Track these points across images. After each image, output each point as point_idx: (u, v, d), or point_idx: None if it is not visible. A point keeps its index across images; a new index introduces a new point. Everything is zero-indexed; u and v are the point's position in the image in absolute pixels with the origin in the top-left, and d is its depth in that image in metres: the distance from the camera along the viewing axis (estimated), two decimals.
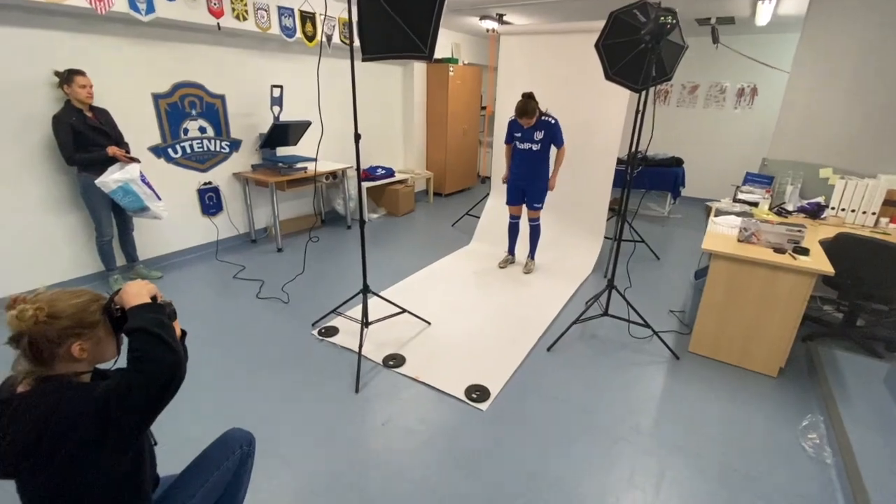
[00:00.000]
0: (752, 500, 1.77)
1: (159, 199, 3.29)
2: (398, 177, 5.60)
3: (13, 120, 2.89)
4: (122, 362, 1.05)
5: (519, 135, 3.52)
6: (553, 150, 3.55)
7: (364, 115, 5.41)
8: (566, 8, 4.61)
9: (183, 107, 3.74)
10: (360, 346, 2.47)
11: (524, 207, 3.78)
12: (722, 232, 2.81)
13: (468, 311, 3.18)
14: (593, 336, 2.92)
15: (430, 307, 3.16)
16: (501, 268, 3.99)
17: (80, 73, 2.93)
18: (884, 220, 3.02)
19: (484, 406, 2.22)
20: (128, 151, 3.18)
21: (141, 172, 3.12)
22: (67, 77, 2.91)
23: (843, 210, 3.17)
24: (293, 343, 2.74)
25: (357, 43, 2.25)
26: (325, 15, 4.29)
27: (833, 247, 2.59)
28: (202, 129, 3.91)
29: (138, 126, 3.47)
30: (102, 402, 0.90)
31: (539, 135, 3.45)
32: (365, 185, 5.13)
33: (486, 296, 3.44)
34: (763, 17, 4.30)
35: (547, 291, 3.54)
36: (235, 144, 4.19)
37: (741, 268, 2.47)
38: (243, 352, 2.62)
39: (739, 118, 6.17)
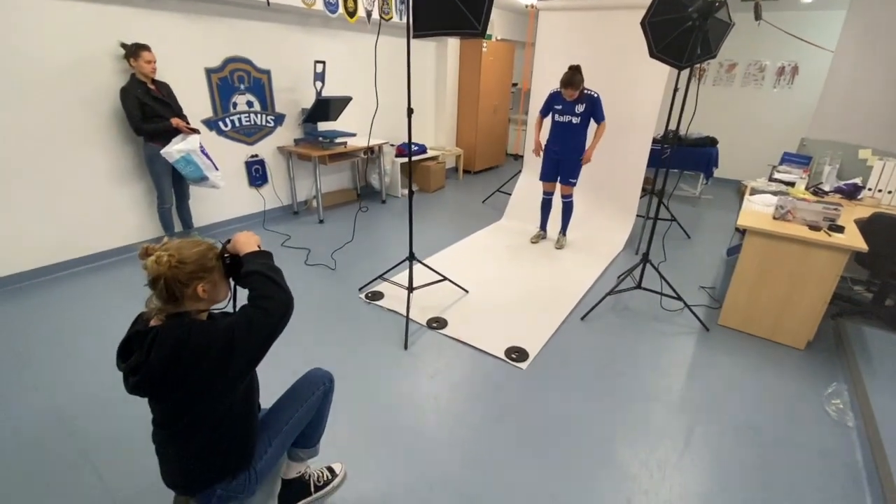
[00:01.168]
0: (776, 456, 1.92)
1: (217, 169, 3.49)
2: (430, 153, 5.72)
3: (83, 92, 3.12)
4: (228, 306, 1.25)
5: (560, 107, 3.59)
6: (592, 126, 3.62)
7: (397, 92, 5.51)
8: None
9: (232, 81, 3.92)
10: (408, 308, 2.67)
11: (558, 184, 3.88)
12: (757, 210, 2.89)
13: (503, 282, 3.34)
14: (626, 308, 3.06)
15: (466, 277, 3.34)
16: (533, 243, 4.13)
17: (146, 47, 3.12)
18: None
19: (524, 365, 2.41)
20: (188, 123, 3.39)
21: (200, 143, 3.33)
22: (134, 51, 3.10)
23: (879, 191, 3.20)
24: (343, 305, 2.96)
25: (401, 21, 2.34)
26: None
27: (868, 226, 2.66)
28: (249, 104, 4.10)
29: (192, 99, 3.68)
30: (229, 332, 1.08)
31: (580, 108, 3.51)
32: (399, 160, 5.27)
33: (520, 268, 3.60)
34: None
35: (579, 266, 3.68)
36: (280, 119, 4.37)
37: (775, 244, 2.57)
38: (299, 312, 2.85)
39: (777, 98, 6.06)
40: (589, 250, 3.98)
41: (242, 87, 4.01)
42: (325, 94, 4.42)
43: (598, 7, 3.98)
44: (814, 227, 2.57)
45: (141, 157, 3.40)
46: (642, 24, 2.59)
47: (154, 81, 3.26)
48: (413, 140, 5.77)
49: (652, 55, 2.66)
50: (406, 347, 2.52)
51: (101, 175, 3.33)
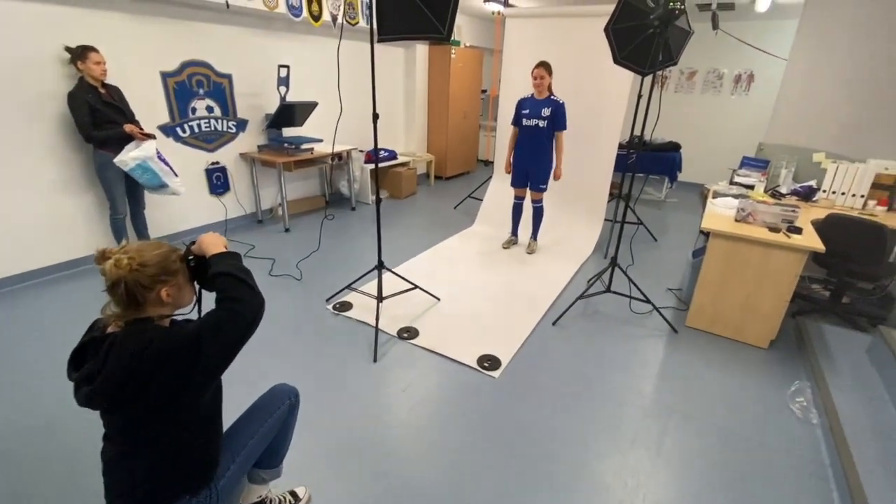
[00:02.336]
0: (745, 456, 1.93)
1: (176, 175, 3.33)
2: (400, 159, 5.66)
3: (25, 98, 2.91)
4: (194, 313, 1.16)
5: (527, 111, 3.59)
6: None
7: (366, 98, 5.41)
8: None
9: (191, 85, 3.76)
10: (377, 319, 2.58)
11: (528, 190, 3.88)
12: (719, 212, 2.95)
13: (475, 289, 3.30)
14: (596, 311, 3.06)
15: (438, 284, 3.28)
16: (505, 248, 4.11)
17: (94, 49, 2.95)
18: (871, 203, 3.18)
19: (496, 374, 2.36)
20: (142, 129, 3.21)
21: (157, 149, 3.16)
22: (80, 53, 2.92)
23: (833, 193, 3.33)
24: (310, 317, 2.85)
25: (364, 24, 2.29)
26: None
27: (824, 226, 2.75)
28: (209, 109, 3.94)
29: (147, 104, 3.50)
30: (195, 337, 1.01)
31: (547, 111, 3.53)
32: (368, 167, 5.18)
33: (492, 274, 3.57)
34: (763, 2, 4.39)
35: (550, 270, 3.67)
36: (242, 124, 4.22)
37: (737, 246, 2.62)
38: (263, 325, 2.72)
39: (736, 104, 6.29)
40: (559, 254, 3.99)
41: (201, 91, 3.84)
42: (289, 99, 4.29)
43: (563, 14, 4.02)
44: (773, 229, 2.63)
45: (91, 166, 3.20)
46: (606, 30, 2.61)
47: (105, 85, 3.09)
48: (382, 146, 5.70)
49: (616, 62, 2.68)
50: (375, 360, 2.44)
51: (45, 186, 3.11)
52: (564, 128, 3.59)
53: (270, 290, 3.16)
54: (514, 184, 3.92)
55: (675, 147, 5.54)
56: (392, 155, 5.57)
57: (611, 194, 4.30)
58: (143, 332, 1.01)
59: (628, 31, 2.56)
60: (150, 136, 3.16)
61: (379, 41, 2.35)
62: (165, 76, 3.59)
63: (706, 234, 2.82)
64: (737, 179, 3.60)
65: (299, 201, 4.92)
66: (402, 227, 4.61)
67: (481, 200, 4.87)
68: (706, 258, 2.74)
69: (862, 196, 3.20)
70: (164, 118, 3.67)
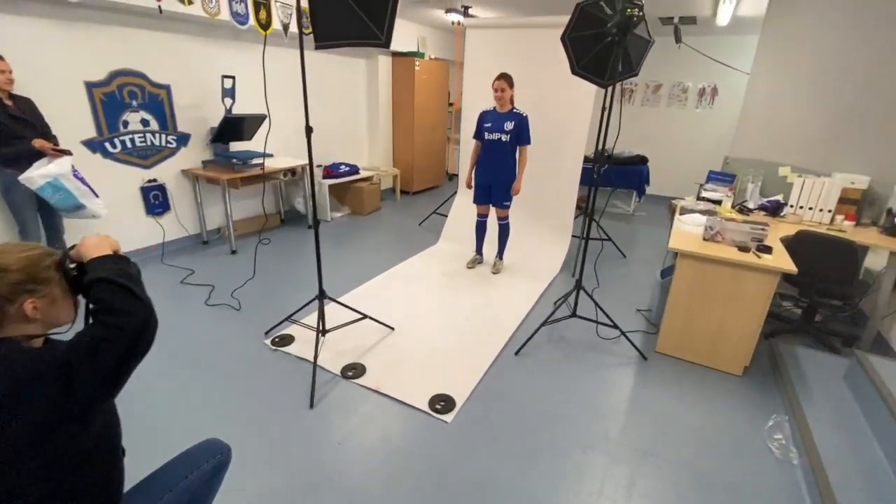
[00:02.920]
0: None
1: (96, 195, 3.00)
2: (363, 174, 5.41)
3: None
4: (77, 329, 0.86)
5: (489, 125, 3.42)
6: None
7: (325, 110, 5.22)
8: (533, 3, 4.53)
9: (122, 97, 3.43)
10: (315, 356, 2.29)
11: (492, 207, 3.68)
12: (687, 230, 2.79)
13: (434, 315, 3.05)
14: (561, 338, 2.85)
15: (394, 311, 3.01)
16: (469, 268, 3.88)
17: None
18: (839, 218, 3.09)
19: (449, 417, 2.10)
20: (56, 144, 2.87)
21: (73, 166, 2.82)
22: None
23: (801, 208, 3.23)
24: (244, 354, 2.53)
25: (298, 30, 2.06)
26: (280, 2, 4.05)
27: (794, 244, 2.61)
28: (145, 122, 3.61)
29: (69, 117, 3.15)
30: (64, 361, 0.81)
31: (509, 125, 3.36)
32: (326, 182, 4.91)
33: (454, 298, 3.32)
34: (723, 17, 4.36)
35: (515, 292, 3.46)
36: (183, 139, 3.89)
37: (707, 267, 2.45)
38: (188, 365, 2.40)
39: (701, 117, 6.30)
40: (526, 273, 3.78)
41: (135, 103, 3.51)
42: (237, 111, 4.00)
43: (524, 26, 3.88)
44: (743, 248, 2.48)
45: None
46: (563, 39, 2.44)
47: (12, 97, 2.74)
48: (344, 160, 5.44)
49: (574, 72, 2.51)
50: (312, 405, 2.14)
51: None
52: (528, 142, 3.42)
53: (205, 322, 2.83)
54: (476, 200, 3.72)
55: (642, 160, 5.47)
56: (353, 169, 5.31)
57: (579, 208, 4.14)
58: (1, 358, 0.80)
59: (586, 40, 2.39)
60: (65, 153, 2.82)
61: (316, 48, 2.14)
62: (91, 86, 3.26)
63: (675, 254, 2.65)
64: (704, 194, 3.48)
65: (252, 220, 4.59)
66: (363, 246, 4.33)
67: (447, 216, 4.65)
68: (675, 279, 2.56)
69: (829, 211, 3.10)
70: (90, 132, 3.32)
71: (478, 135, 3.55)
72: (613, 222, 5.38)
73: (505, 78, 3.29)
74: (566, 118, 3.89)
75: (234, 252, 3.99)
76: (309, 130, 2.22)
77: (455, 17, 4.82)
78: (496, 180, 3.54)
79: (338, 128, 5.51)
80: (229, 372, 2.37)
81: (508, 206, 3.63)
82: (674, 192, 6.42)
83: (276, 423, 2.03)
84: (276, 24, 4.07)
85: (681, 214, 3.12)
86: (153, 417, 2.03)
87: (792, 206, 3.26)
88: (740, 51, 5.64)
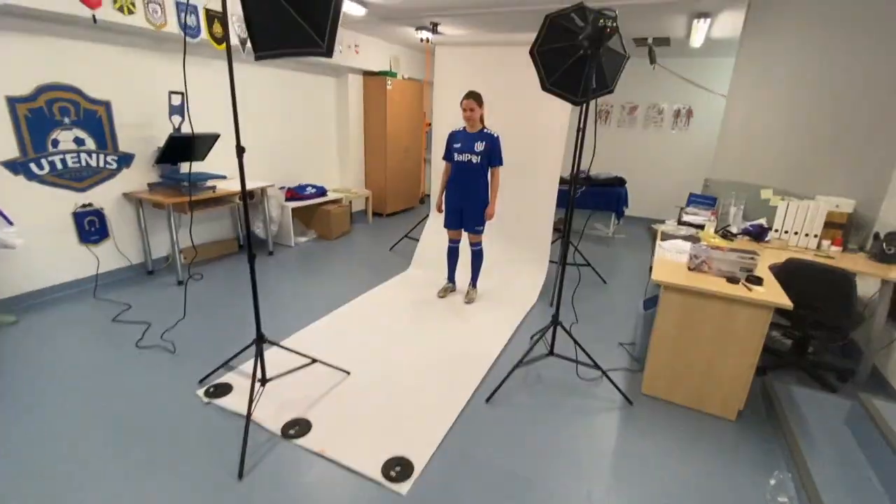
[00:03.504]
0: None
1: (10, 223, 2.65)
2: (331, 196, 5.11)
3: None
4: None
5: (458, 145, 3.19)
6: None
7: (292, 129, 4.98)
8: (504, 21, 4.40)
9: (51, 113, 3.08)
10: (249, 413, 1.95)
11: (464, 232, 3.42)
12: (670, 258, 2.57)
13: (398, 353, 2.73)
14: (538, 380, 2.56)
15: (352, 351, 2.69)
16: (441, 297, 3.59)
17: None
18: (825, 243, 2.92)
19: (404, 487, 1.77)
20: None
21: None
22: None
23: (786, 232, 3.06)
24: (171, 408, 2.16)
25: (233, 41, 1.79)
26: (238, 16, 3.80)
27: (784, 274, 2.41)
28: (79, 141, 3.26)
29: None
30: None
31: (480, 146, 3.14)
32: (289, 205, 4.59)
33: (421, 333, 3.01)
34: (698, 38, 4.29)
35: (489, 324, 3.17)
36: (125, 159, 3.55)
37: (693, 300, 2.22)
38: (103, 424, 2.02)
39: (676, 139, 6.25)
40: (501, 303, 3.51)
41: (67, 120, 3.17)
42: (186, 129, 3.68)
43: (493, 43, 3.71)
44: (731, 280, 2.26)
45: None
46: (532, 53, 2.23)
47: None
48: (311, 182, 5.15)
49: (545, 88, 2.30)
50: (241, 475, 1.79)
51: None
52: (500, 163, 3.20)
53: (132, 368, 2.45)
54: (447, 225, 3.46)
55: (620, 182, 5.33)
56: (321, 191, 5.02)
57: (556, 231, 3.93)
58: None
59: (557, 54, 2.18)
60: None
61: (257, 59, 1.88)
62: (13, 101, 2.91)
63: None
64: (685, 218, 3.30)
65: (207, 246, 4.22)
66: (327, 274, 4.01)
67: (419, 240, 4.37)
68: (659, 314, 2.32)
69: (815, 236, 2.94)
70: (12, 152, 2.96)
71: (447, 156, 3.32)
72: (592, 245, 5.19)
73: (473, 97, 3.08)
74: (540, 138, 3.70)
75: (180, 283, 3.61)
76: (240, 150, 1.92)
77: (424, 35, 4.64)
78: (467, 204, 3.30)
79: (306, 148, 5.23)
80: (150, 432, 2.00)
81: (481, 231, 3.39)
82: (653, 213, 6.34)
83: (194, 501, 1.67)
84: (233, 39, 3.80)
85: (662, 240, 2.91)
86: (47, 496, 1.65)
87: (777, 231, 3.09)
88: (715, 73, 5.62)
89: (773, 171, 3.32)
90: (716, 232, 3.12)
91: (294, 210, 4.78)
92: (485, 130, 3.18)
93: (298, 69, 4.93)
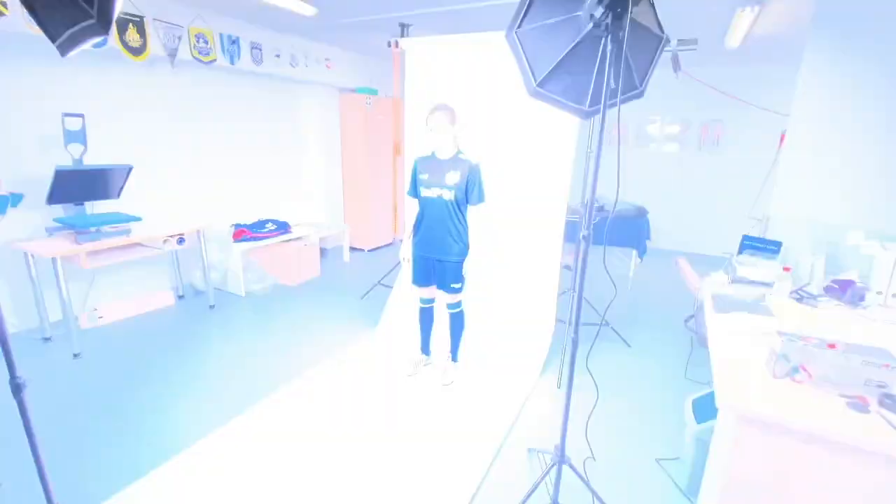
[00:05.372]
0: None
1: None
2: (295, 233, 4.31)
3: None
4: None
5: (425, 176, 2.38)
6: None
7: (254, 156, 4.26)
8: (485, 21, 3.59)
9: None
10: None
11: (438, 287, 2.56)
12: (736, 351, 1.64)
13: (321, 494, 1.83)
14: None
15: (254, 482, 1.80)
16: (409, 376, 2.70)
17: None
18: None
19: None
20: None
21: None
22: None
23: (893, 296, 2.10)
24: None
25: None
26: (165, 22, 3.07)
27: None
28: None
29: None
30: None
31: (454, 177, 2.31)
32: (241, 246, 3.79)
33: (370, 450, 2.11)
34: (737, 35, 3.42)
35: (472, 423, 2.27)
36: (9, 201, 2.78)
37: (790, 444, 1.29)
38: None
39: (704, 159, 5.35)
40: (490, 384, 2.61)
41: None
42: (93, 160, 2.93)
43: (482, 42, 2.90)
44: (855, 404, 1.32)
45: None
46: (509, 36, 1.38)
47: None
48: (276, 217, 4.37)
49: (532, 92, 1.43)
50: None
51: None
52: (481, 199, 2.36)
53: None
54: (415, 281, 2.60)
55: (641, 212, 4.41)
56: (282, 228, 4.21)
57: (566, 267, 3.06)
58: None
59: (550, 35, 1.33)
60: None
61: (63, 55, 1.07)
62: None
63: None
64: (741, 272, 2.36)
65: (132, 300, 3.42)
66: (269, 338, 3.16)
67: (391, 288, 3.51)
68: (727, 452, 1.39)
69: None
70: None
71: (413, 190, 2.49)
72: (609, 288, 4.24)
73: (443, 111, 2.26)
74: (541, 161, 2.88)
75: (76, 356, 2.79)
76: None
77: (392, 38, 3.84)
78: (439, 253, 2.44)
79: (270, 178, 4.49)
80: None
81: (459, 290, 2.51)
82: (678, 245, 5.43)
83: None
84: (157, 49, 3.06)
85: (716, 310, 1.99)
86: None
87: (880, 293, 2.13)
88: (751, 82, 4.76)
89: (863, 207, 2.39)
90: (790, 296, 2.18)
91: (250, 252, 3.99)
92: (460, 157, 2.34)
93: (262, 86, 4.21)
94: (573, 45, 1.32)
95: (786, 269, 2.27)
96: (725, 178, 5.24)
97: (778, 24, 3.29)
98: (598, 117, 1.30)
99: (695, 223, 5.41)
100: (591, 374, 1.72)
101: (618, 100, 1.31)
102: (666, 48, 3.81)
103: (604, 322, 3.30)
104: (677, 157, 5.46)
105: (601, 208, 4.52)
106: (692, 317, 3.58)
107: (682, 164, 5.47)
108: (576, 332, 1.56)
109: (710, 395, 1.89)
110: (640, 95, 1.38)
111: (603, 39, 1.24)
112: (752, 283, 2.30)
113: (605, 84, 1.21)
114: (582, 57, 1.33)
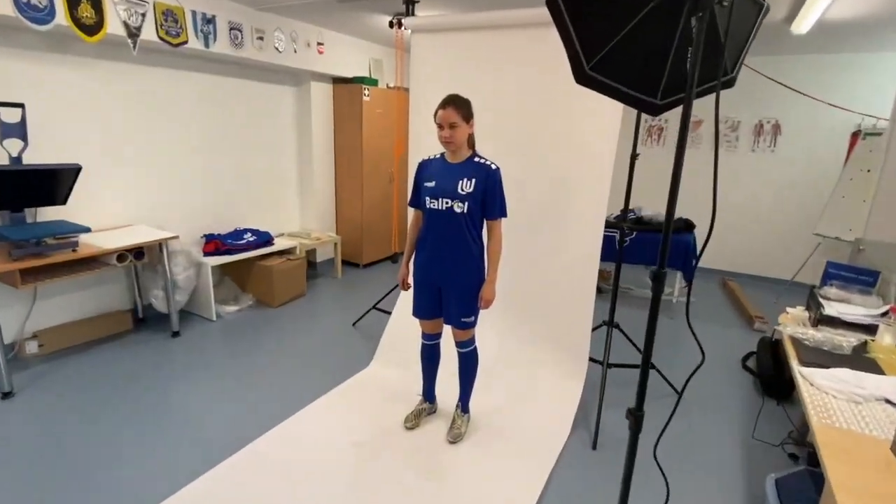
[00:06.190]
0: None
1: None
2: (278, 245, 4.09)
3: None
4: None
5: (431, 184, 2.12)
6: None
7: (231, 155, 4.07)
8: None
9: None
10: None
11: (446, 321, 2.30)
12: (841, 419, 1.37)
13: None
14: None
15: None
16: (409, 428, 2.43)
17: None
18: None
19: None
20: None
21: None
22: None
23: None
24: None
25: None
26: None
27: None
28: None
29: None
30: None
31: (467, 185, 2.07)
32: (211, 261, 3.55)
33: None
34: (809, 19, 3.16)
35: (483, 495, 1.98)
36: None
37: None
38: None
39: (758, 163, 5.06)
40: (508, 442, 2.34)
41: None
42: (33, 158, 2.71)
43: (497, 26, 2.67)
44: None
45: None
46: (550, 3, 1.12)
47: None
48: (257, 226, 4.15)
49: (580, 78, 1.17)
50: None
51: None
52: (501, 213, 2.12)
53: None
54: (417, 313, 2.34)
55: (687, 226, 4.17)
56: (264, 239, 3.99)
57: (599, 289, 2.85)
58: None
59: (607, 4, 1.07)
60: None
61: None
62: None
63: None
64: (830, 310, 2.07)
65: (83, 324, 3.18)
66: (247, 371, 2.93)
67: (390, 314, 3.25)
68: None
69: None
70: None
71: (415, 201, 2.25)
72: (644, 316, 3.95)
73: (455, 105, 2.01)
74: (575, 167, 2.65)
75: (7, 394, 2.54)
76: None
77: (395, 17, 3.60)
78: (447, 279, 2.19)
79: (250, 181, 4.27)
80: None
81: (472, 325, 2.25)
82: (725, 263, 5.22)
83: None
84: (115, 28, 2.86)
85: (805, 361, 1.71)
86: None
87: None
88: (818, 74, 4.49)
89: None
90: None
91: (224, 267, 3.79)
92: (476, 159, 2.10)
93: (243, 76, 4.00)
94: (639, 17, 1.06)
95: (893, 308, 1.98)
96: (783, 187, 4.94)
97: (859, 5, 3.01)
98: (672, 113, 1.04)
99: (744, 238, 5.12)
100: (659, 467, 1.42)
101: (717, 86, 1.05)
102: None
103: (650, 366, 3.01)
104: (724, 161, 5.18)
105: (639, 219, 4.26)
106: (752, 355, 3.29)
107: (730, 168, 5.19)
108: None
109: (802, 476, 1.61)
110: (731, 84, 1.12)
111: (684, 15, 0.98)
112: (847, 325, 2.01)
113: (694, 67, 0.95)
114: (653, 32, 1.07)
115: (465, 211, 2.08)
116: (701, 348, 1.35)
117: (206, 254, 3.63)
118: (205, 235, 3.77)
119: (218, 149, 3.90)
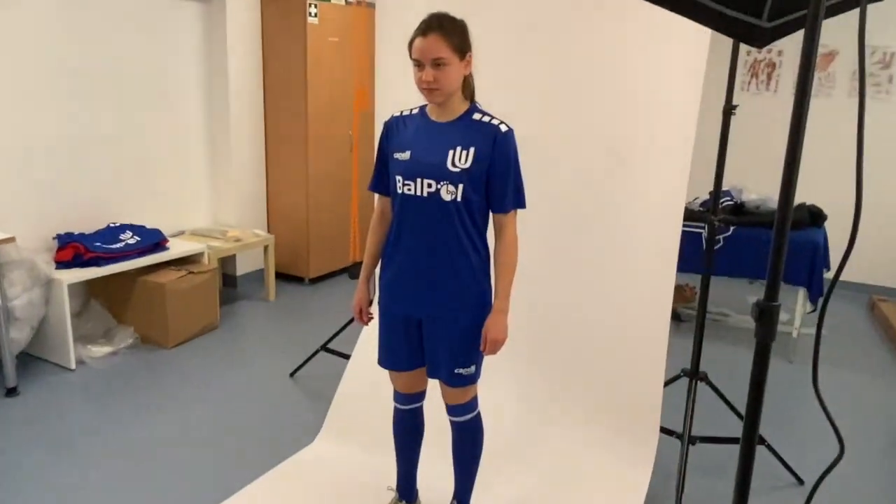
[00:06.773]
0: None
1: None
2: (175, 251, 4.32)
3: None
4: None
5: (405, 156, 2.17)
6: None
7: (101, 111, 4.23)
8: None
9: None
10: None
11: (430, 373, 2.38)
12: None
13: None
14: None
15: None
16: None
17: None
18: None
19: None
20: None
21: None
22: None
23: None
24: None
25: None
26: None
27: None
28: None
29: None
30: None
31: (462, 157, 2.10)
32: (67, 276, 3.74)
33: None
34: None
35: None
36: None
37: None
38: None
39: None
40: None
41: None
42: None
43: None
44: None
45: None
46: None
47: None
48: (139, 221, 4.39)
49: None
50: None
51: None
52: (516, 203, 2.19)
53: None
54: (384, 362, 2.42)
55: (813, 218, 4.39)
56: (152, 241, 4.18)
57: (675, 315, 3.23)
58: None
59: None
60: None
61: None
62: None
63: None
64: None
65: None
66: (123, 453, 3.03)
67: (348, 359, 3.46)
68: None
69: None
70: None
71: (380, 183, 2.34)
72: (745, 352, 4.23)
73: (441, 29, 2.04)
74: (640, 133, 2.88)
75: None
76: None
77: None
78: (431, 308, 2.24)
79: (131, 149, 4.44)
80: None
81: (472, 380, 2.30)
82: (868, 274, 5.56)
83: None
84: None
85: None
86: None
87: None
88: None
89: None
90: None
91: (89, 286, 4.05)
92: (476, 117, 2.14)
93: None
94: None
95: None
96: None
97: None
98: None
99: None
100: None
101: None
102: None
103: (760, 441, 3.04)
104: (873, 115, 5.32)
105: (738, 207, 4.35)
106: None
107: (884, 127, 5.48)
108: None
109: None
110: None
111: None
112: None
113: None
114: None
115: (459, 198, 2.10)
116: (837, 432, 1.31)
117: (60, 265, 3.78)
118: (58, 236, 3.88)
119: (78, 99, 4.04)
